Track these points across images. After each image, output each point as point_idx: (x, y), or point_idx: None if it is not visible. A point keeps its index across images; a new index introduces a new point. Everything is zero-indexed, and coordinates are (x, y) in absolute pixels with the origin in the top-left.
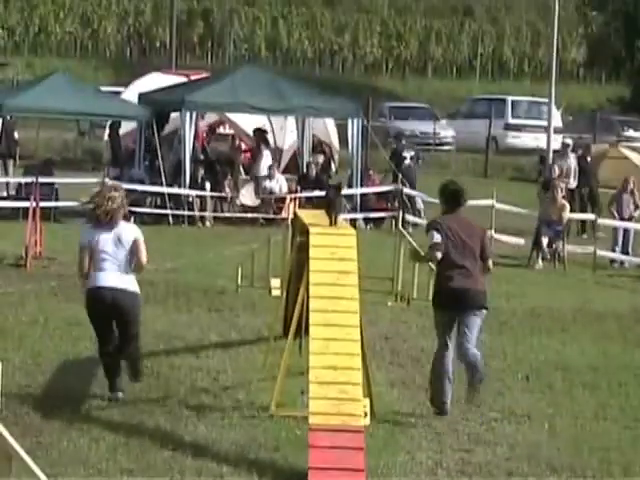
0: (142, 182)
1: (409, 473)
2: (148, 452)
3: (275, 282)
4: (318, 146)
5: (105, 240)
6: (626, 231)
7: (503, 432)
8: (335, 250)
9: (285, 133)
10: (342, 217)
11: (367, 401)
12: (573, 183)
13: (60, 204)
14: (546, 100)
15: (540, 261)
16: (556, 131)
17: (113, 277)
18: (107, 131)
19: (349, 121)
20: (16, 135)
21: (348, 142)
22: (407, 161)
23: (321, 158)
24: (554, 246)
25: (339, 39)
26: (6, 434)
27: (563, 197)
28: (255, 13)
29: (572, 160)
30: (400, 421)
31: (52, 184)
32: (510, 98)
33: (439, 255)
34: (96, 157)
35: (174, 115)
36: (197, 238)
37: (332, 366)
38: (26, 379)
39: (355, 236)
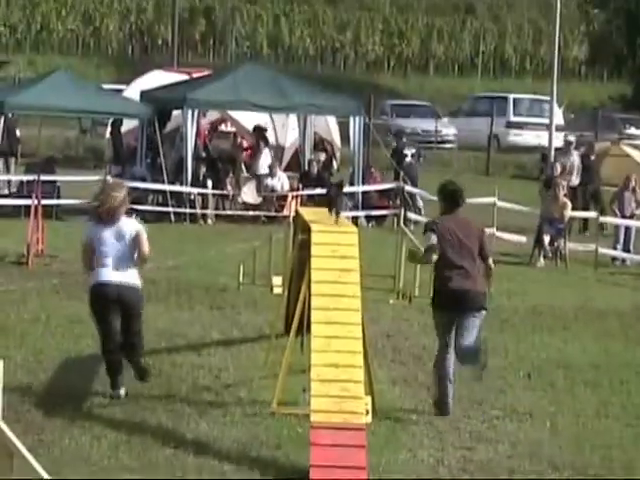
0: (144, 180)
1: (411, 471)
2: (150, 450)
3: (277, 280)
4: (320, 144)
5: (107, 236)
6: (628, 229)
7: (505, 430)
8: (337, 248)
9: (287, 131)
10: (344, 215)
11: (369, 399)
12: (575, 180)
13: (62, 202)
14: (548, 98)
15: (542, 259)
16: (558, 129)
17: (116, 272)
18: (109, 129)
19: (351, 119)
20: (18, 133)
21: (350, 140)
22: (408, 159)
23: (323, 156)
24: (556, 244)
25: (341, 37)
26: (8, 432)
27: (565, 195)
28: (257, 11)
29: (575, 157)
30: (402, 419)
31: (54, 182)
32: (512, 96)
33: (434, 258)
34: (98, 155)
35: (176, 113)
36: (199, 236)
37: (334, 364)
38: (28, 377)
39: (357, 234)
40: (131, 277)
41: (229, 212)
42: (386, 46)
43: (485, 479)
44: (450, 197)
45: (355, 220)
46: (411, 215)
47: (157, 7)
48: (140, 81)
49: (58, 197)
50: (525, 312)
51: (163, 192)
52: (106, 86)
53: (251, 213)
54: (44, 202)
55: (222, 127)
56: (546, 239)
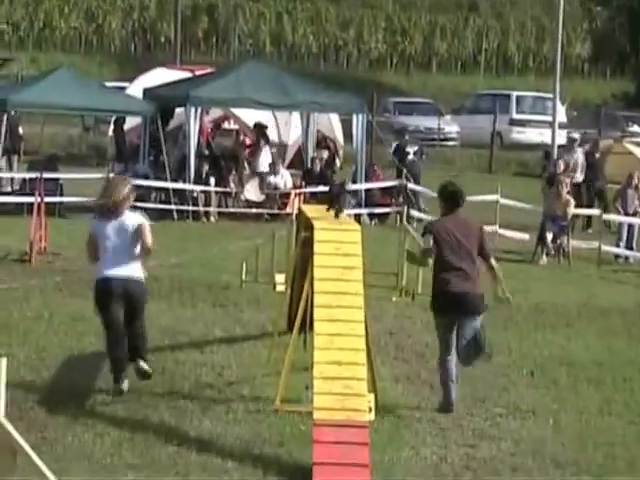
0: (146, 177)
1: (414, 468)
2: (153, 447)
3: (279, 277)
4: (322, 141)
5: (111, 230)
6: (630, 226)
7: (508, 427)
8: (340, 245)
9: (290, 128)
10: (346, 212)
11: (372, 396)
12: (579, 177)
13: (65, 199)
14: (551, 95)
15: (544, 256)
16: (561, 126)
17: (121, 266)
18: (112, 126)
19: (354, 116)
20: (20, 130)
21: (353, 137)
22: (410, 156)
23: (325, 153)
24: (558, 241)
25: (344, 34)
26: (11, 429)
27: (568, 192)
28: (260, 8)
29: (579, 155)
30: (405, 416)
31: (57, 179)
32: (515, 93)
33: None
34: (101, 152)
35: (179, 110)
36: (201, 233)
37: (336, 361)
38: (31, 374)
39: (360, 231)
40: (135, 270)
41: (232, 210)
42: (389, 44)
43: (488, 477)
44: (450, 198)
45: (358, 218)
46: (414, 213)
47: (160, 4)
48: (143, 79)
49: (61, 195)
50: (528, 310)
51: (166, 190)
52: (109, 84)
53: (254, 211)
54: (47, 200)
55: (225, 125)
56: (549, 236)
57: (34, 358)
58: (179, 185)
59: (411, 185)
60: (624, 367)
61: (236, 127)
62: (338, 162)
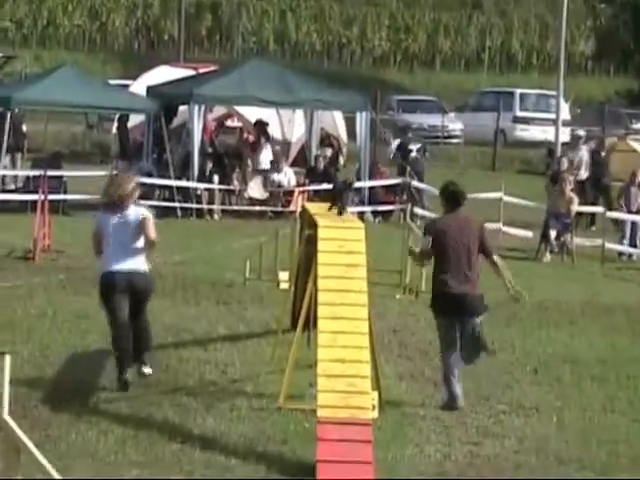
0: (150, 175)
1: (417, 466)
2: (156, 445)
3: (283, 275)
4: (326, 139)
5: (116, 224)
6: (634, 224)
7: (511, 425)
8: (343, 243)
9: (293, 126)
10: (349, 210)
11: (375, 394)
12: (584, 175)
13: (68, 197)
14: (554, 93)
15: (548, 254)
16: (564, 124)
17: (125, 260)
18: (115, 124)
19: (357, 114)
20: (24, 128)
21: (356, 135)
22: (413, 154)
23: (329, 151)
24: (562, 239)
25: (347, 32)
26: (15, 427)
27: (571, 190)
28: (263, 6)
29: (584, 152)
30: (408, 414)
31: (60, 177)
32: (518, 91)
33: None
34: (104, 150)
35: (182, 108)
36: (205, 231)
37: (340, 359)
38: (34, 372)
39: (363, 229)
40: (140, 263)
41: (235, 207)
42: (392, 41)
43: (492, 475)
44: (451, 197)
45: (361, 215)
46: (418, 210)
47: (163, 2)
48: (146, 76)
49: (65, 192)
50: (532, 307)
51: (170, 187)
52: (112, 81)
53: (257, 208)
54: (51, 197)
55: (228, 122)
56: (552, 234)
57: (38, 356)
58: (183, 183)
59: (415, 183)
60: (628, 364)
61: (240, 125)
62: (342, 160)
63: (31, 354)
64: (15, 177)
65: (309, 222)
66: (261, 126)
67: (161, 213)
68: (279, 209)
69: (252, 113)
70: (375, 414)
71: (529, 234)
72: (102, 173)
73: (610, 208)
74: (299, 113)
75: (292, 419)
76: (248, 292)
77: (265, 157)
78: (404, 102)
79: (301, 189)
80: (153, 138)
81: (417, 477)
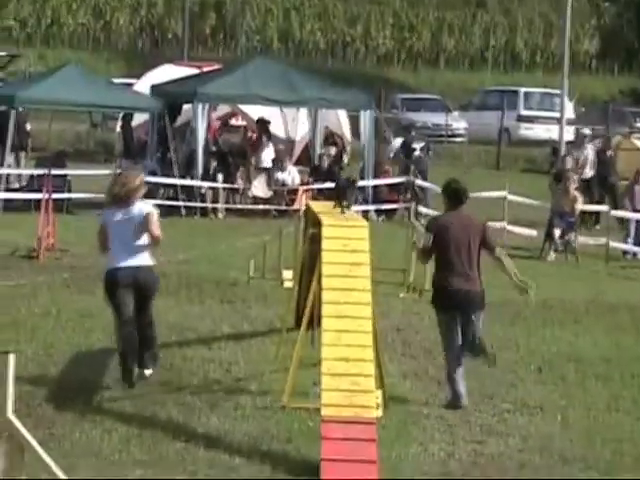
0: (154, 174)
1: (421, 465)
2: (161, 443)
3: (287, 274)
4: (330, 138)
5: (121, 219)
6: (639, 222)
7: (516, 424)
8: (347, 242)
9: (297, 125)
10: (354, 209)
11: (379, 392)
12: (589, 173)
13: (72, 196)
14: (558, 92)
15: (552, 253)
16: (569, 123)
17: (130, 256)
18: (119, 123)
19: (361, 113)
20: (28, 127)
21: (360, 134)
22: (417, 152)
23: (333, 150)
24: (566, 237)
25: (351, 30)
26: (19, 426)
27: (576, 189)
28: (267, 5)
29: (589, 151)
30: (412, 412)
31: (64, 176)
32: (522, 90)
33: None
34: (108, 149)
35: (186, 107)
36: (209, 230)
37: (344, 358)
38: (39, 371)
39: (367, 228)
40: (144, 259)
41: (239, 206)
42: (397, 40)
43: (496, 473)
44: (454, 195)
45: (365, 214)
46: (422, 209)
47: (167, 1)
48: (150, 75)
49: (69, 191)
50: (536, 306)
51: (174, 186)
52: (116, 80)
53: (261, 207)
54: (55, 196)
55: (232, 121)
56: (557, 233)
57: (42, 354)
58: (187, 181)
59: (419, 181)
60: (632, 363)
61: (244, 123)
62: (346, 158)
63: (35, 353)
64: (19, 176)
65: (313, 221)
66: (262, 124)
67: (165, 212)
68: (283, 208)
69: (256, 112)
70: (379, 413)
71: (533, 233)
72: (106, 172)
73: (617, 207)
74: (303, 112)
75: (296, 418)
76: (252, 291)
77: (267, 155)
78: (408, 101)
79: (305, 188)
80: (157, 137)
81: (421, 476)
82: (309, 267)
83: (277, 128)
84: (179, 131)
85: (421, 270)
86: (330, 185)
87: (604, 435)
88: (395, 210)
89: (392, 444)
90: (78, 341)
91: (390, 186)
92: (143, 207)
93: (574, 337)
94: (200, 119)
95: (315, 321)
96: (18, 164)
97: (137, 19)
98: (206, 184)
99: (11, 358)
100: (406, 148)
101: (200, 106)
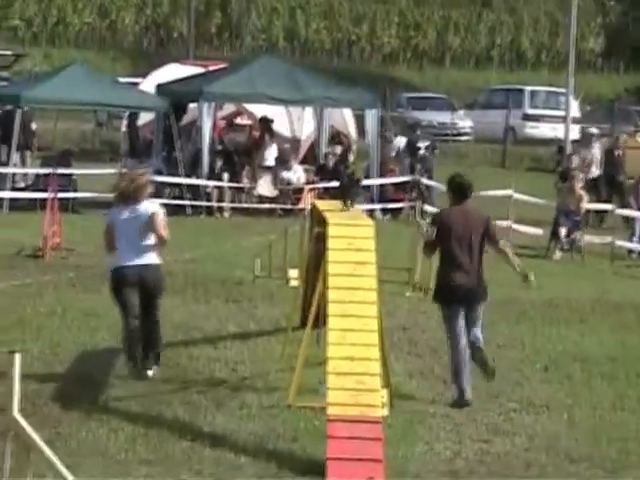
0: (160, 173)
1: (427, 463)
2: (167, 442)
3: (293, 273)
4: (336, 137)
5: (127, 218)
6: None
7: (522, 422)
8: (353, 241)
9: (303, 124)
10: (359, 207)
11: (385, 391)
12: (595, 172)
13: (78, 195)
14: (564, 90)
15: (558, 251)
16: (574, 121)
17: (137, 255)
18: (125, 122)
19: (367, 111)
20: (34, 126)
21: (366, 133)
22: (422, 151)
23: (339, 149)
24: (572, 236)
25: (357, 29)
26: (25, 425)
27: (581, 187)
28: (273, 3)
29: (596, 150)
30: (418, 411)
31: (70, 175)
32: (528, 88)
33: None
34: (114, 148)
35: (192, 106)
36: (215, 229)
37: (350, 356)
38: (44, 370)
39: (373, 227)
40: (151, 257)
41: (245, 205)
42: (402, 39)
43: (502, 472)
44: (458, 189)
45: (371, 213)
46: (428, 207)
47: (173, 0)
48: (156, 74)
49: (74, 190)
50: (541, 305)
51: (179, 185)
52: (122, 79)
53: (267, 206)
54: (60, 195)
55: (238, 120)
56: (562, 231)
57: (48, 353)
58: (193, 181)
59: (424, 180)
60: (637, 362)
61: (249, 122)
62: (351, 157)
63: (41, 352)
64: (25, 175)
65: (318, 220)
66: (265, 123)
67: (171, 211)
68: (289, 207)
69: (262, 111)
70: (385, 412)
71: (539, 232)
72: (112, 171)
73: (625, 206)
74: (309, 111)
75: (302, 417)
76: (258, 290)
77: (270, 154)
78: (414, 99)
79: (311, 187)
80: (163, 136)
81: (427, 475)
82: (315, 266)
83: (283, 127)
84: (185, 130)
85: (427, 269)
86: (336, 184)
87: (610, 434)
88: (401, 209)
89: (398, 443)
90: (84, 340)
91: (396, 185)
92: (149, 206)
93: (580, 336)
94: (206, 118)
95: (321, 320)
96: (24, 163)
97: (143, 18)
98: (212, 183)
99: (17, 357)
100: (411, 147)
101: (206, 105)
